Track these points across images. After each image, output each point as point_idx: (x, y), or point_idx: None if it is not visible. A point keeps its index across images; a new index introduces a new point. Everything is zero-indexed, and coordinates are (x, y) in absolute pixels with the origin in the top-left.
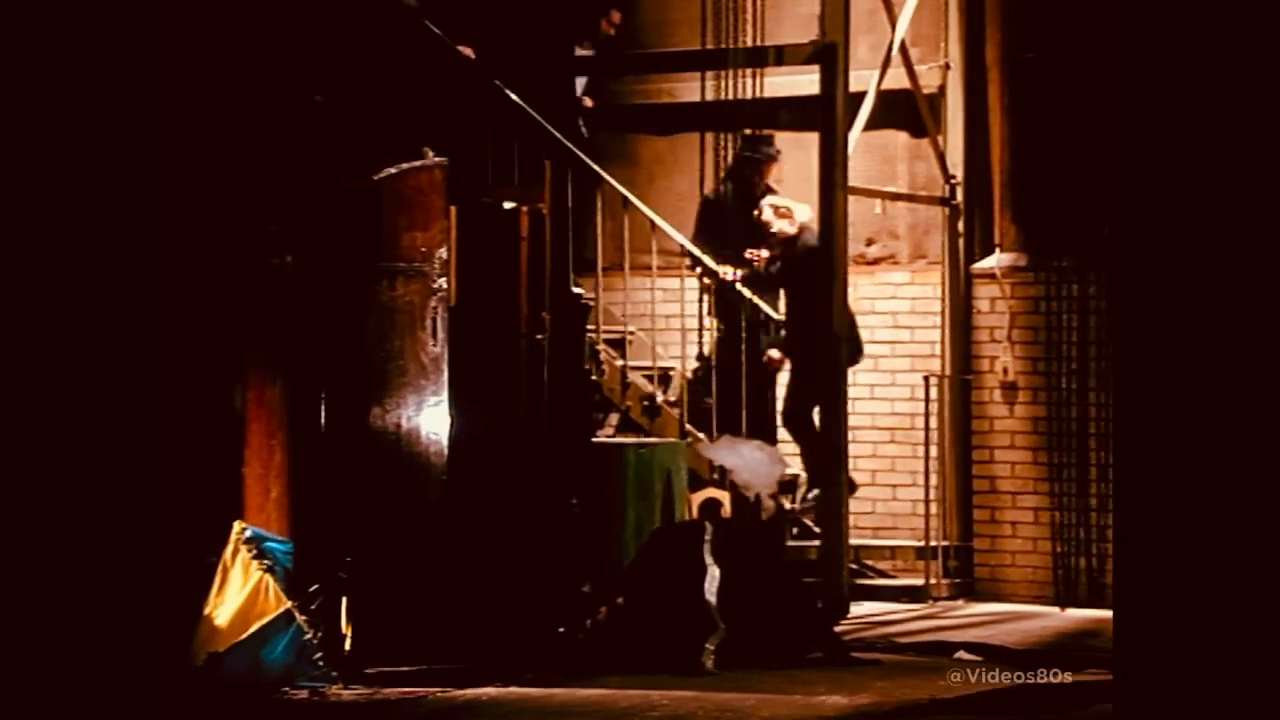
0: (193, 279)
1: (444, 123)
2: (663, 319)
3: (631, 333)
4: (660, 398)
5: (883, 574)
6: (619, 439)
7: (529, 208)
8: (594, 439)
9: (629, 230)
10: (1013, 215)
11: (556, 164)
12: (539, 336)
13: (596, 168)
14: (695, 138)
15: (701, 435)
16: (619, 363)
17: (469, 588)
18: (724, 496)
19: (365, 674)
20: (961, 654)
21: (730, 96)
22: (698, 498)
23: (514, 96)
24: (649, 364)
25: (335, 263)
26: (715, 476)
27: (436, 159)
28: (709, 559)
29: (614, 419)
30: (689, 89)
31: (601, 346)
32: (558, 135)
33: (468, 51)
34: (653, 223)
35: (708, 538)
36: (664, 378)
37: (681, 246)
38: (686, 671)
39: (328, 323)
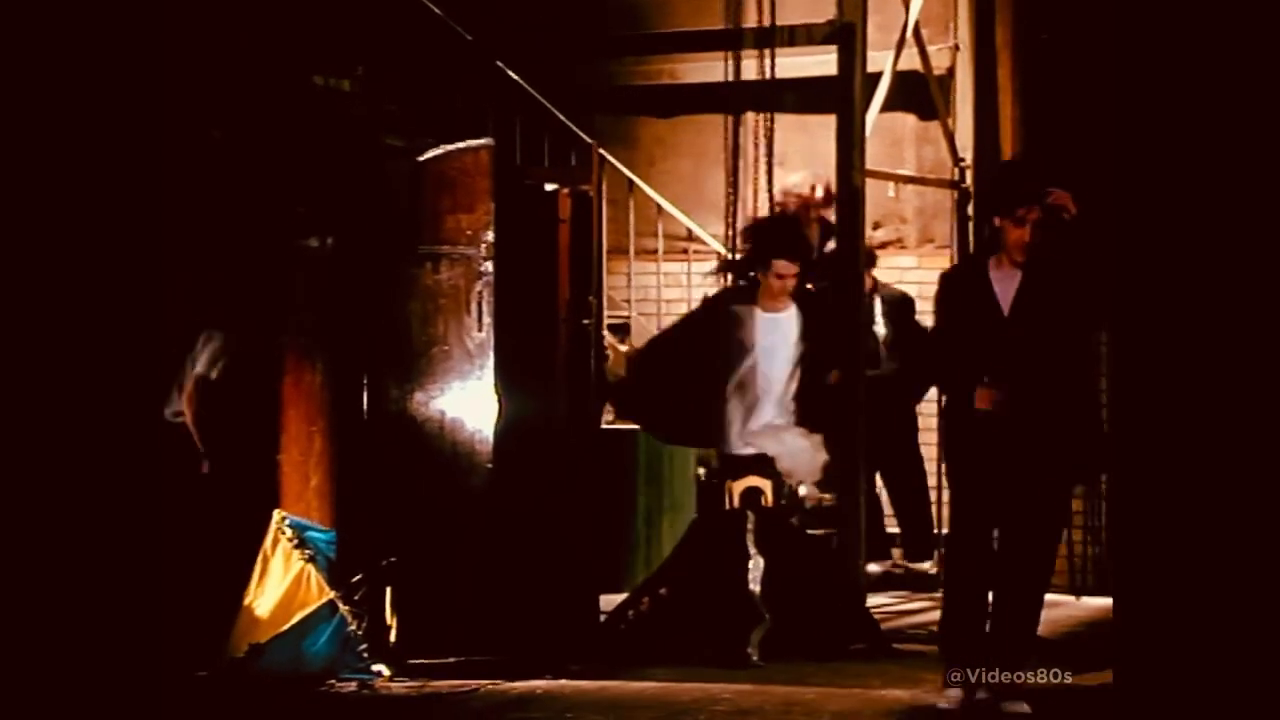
0: (229, 262)
1: (476, 107)
2: (666, 304)
3: (626, 317)
4: None
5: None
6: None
7: (571, 190)
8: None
9: (633, 214)
10: None
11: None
12: (584, 321)
13: (602, 151)
14: (697, 120)
15: None
16: (622, 348)
17: (513, 577)
18: (766, 485)
19: (409, 665)
20: None
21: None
22: (739, 486)
23: (516, 77)
24: None
25: (377, 246)
26: (717, 465)
27: (483, 140)
28: (752, 549)
29: None
30: (690, 69)
31: (605, 332)
32: (560, 115)
33: None
34: (659, 206)
35: (750, 527)
36: None
37: (689, 231)
38: (732, 664)
39: (369, 307)
